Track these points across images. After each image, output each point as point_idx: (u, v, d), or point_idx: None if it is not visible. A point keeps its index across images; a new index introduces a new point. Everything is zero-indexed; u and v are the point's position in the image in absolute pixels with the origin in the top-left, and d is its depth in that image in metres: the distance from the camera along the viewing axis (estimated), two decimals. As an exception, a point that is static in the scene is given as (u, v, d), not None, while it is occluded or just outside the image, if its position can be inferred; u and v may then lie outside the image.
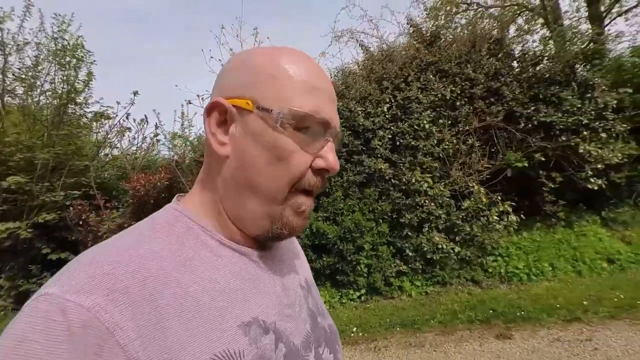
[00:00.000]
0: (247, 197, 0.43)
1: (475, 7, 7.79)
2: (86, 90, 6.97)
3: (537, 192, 4.62)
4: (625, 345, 2.60)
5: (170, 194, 5.76)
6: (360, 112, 4.46)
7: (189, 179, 5.58)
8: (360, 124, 4.45)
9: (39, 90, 6.50)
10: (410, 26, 5.48)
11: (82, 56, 6.42)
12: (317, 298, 0.56)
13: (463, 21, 7.97)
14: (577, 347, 2.67)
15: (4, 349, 0.29)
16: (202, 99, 5.87)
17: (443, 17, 7.88)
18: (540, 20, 6.39)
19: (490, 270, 4.21)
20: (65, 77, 6.24)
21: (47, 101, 6.59)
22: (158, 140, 6.82)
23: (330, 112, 0.44)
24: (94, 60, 6.78)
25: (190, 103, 6.02)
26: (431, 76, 4.63)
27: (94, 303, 0.31)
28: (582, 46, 5.05)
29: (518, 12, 7.03)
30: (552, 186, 4.39)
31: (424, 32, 5.30)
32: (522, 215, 4.27)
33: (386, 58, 4.87)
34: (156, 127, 6.76)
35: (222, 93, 0.44)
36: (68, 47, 6.21)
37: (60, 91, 6.25)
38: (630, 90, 4.41)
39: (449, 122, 4.54)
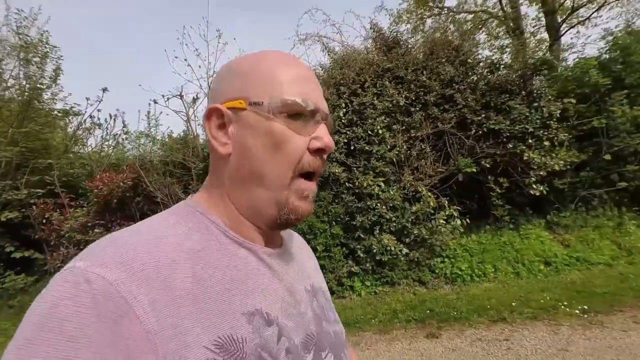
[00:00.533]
0: (253, 187, 0.46)
1: (446, 11, 7.92)
2: (54, 86, 6.89)
3: (487, 196, 4.81)
4: (536, 345, 2.80)
5: (135, 193, 5.79)
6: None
7: (154, 179, 5.61)
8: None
9: (2, 86, 6.39)
10: (374, 31, 5.58)
11: (46, 52, 6.32)
12: (324, 304, 0.57)
13: (435, 24, 8.15)
14: (493, 347, 2.86)
15: (40, 311, 0.32)
16: (167, 99, 5.90)
17: (414, 20, 8.04)
18: (503, 28, 6.57)
19: (437, 271, 4.40)
20: (28, 74, 6.15)
21: (12, 97, 6.49)
22: (125, 139, 6.80)
23: (317, 97, 0.47)
24: (61, 56, 6.69)
25: (156, 102, 5.97)
26: (387, 82, 4.75)
27: (115, 277, 0.34)
28: (535, 57, 5.24)
29: (484, 19, 7.19)
30: (500, 191, 4.58)
31: (387, 37, 5.41)
32: (467, 219, 4.46)
33: (345, 63, 4.97)
34: (123, 125, 6.75)
35: (217, 100, 0.47)
36: (31, 43, 6.10)
37: (23, 88, 6.16)
38: (574, 101, 4.62)
39: (403, 127, 4.68)
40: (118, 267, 0.35)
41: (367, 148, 4.51)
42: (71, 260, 0.37)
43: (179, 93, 5.87)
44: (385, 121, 4.59)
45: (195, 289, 0.38)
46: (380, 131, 4.51)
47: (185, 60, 6.66)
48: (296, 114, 0.45)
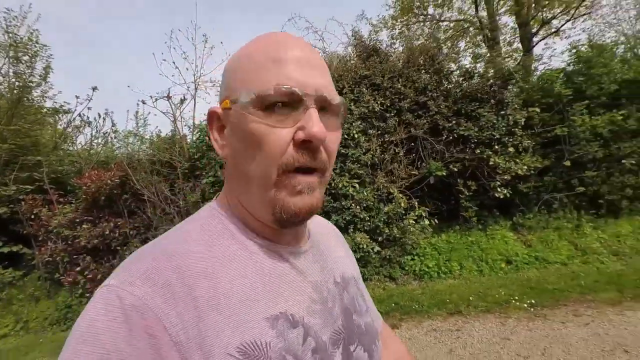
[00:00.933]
0: (247, 188, 0.45)
1: (430, 18, 8.19)
2: (43, 84, 7.02)
3: (457, 198, 5.10)
4: (483, 334, 3.08)
5: (122, 191, 5.97)
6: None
7: (141, 177, 5.79)
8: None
9: (-8, 84, 6.50)
10: (355, 39, 5.83)
11: (36, 51, 6.45)
12: (355, 295, 0.56)
13: (417, 32, 8.43)
14: (445, 336, 3.13)
15: (81, 328, 0.34)
16: (155, 100, 6.08)
17: (399, 26, 8.30)
18: (480, 37, 6.86)
19: (406, 268, 4.68)
20: (17, 72, 6.27)
21: (1, 94, 6.60)
22: (114, 137, 6.96)
23: (304, 79, 0.41)
24: (51, 54, 6.82)
25: (144, 103, 6.14)
26: (364, 89, 5.00)
27: (144, 292, 0.36)
28: (508, 66, 5.53)
29: (465, 27, 7.47)
30: (468, 193, 4.87)
31: (367, 45, 5.66)
32: (436, 220, 4.74)
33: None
34: (112, 124, 6.91)
35: (219, 102, 0.47)
36: (20, 42, 6.22)
37: (12, 86, 6.28)
38: (539, 110, 4.91)
39: (378, 132, 4.94)
40: (145, 283, 0.37)
41: (343, 151, 4.76)
42: (107, 278, 0.39)
43: (166, 95, 6.07)
44: (361, 126, 4.84)
45: (218, 297, 0.39)
46: (356, 135, 4.76)
47: (174, 63, 6.82)
48: (275, 104, 0.40)
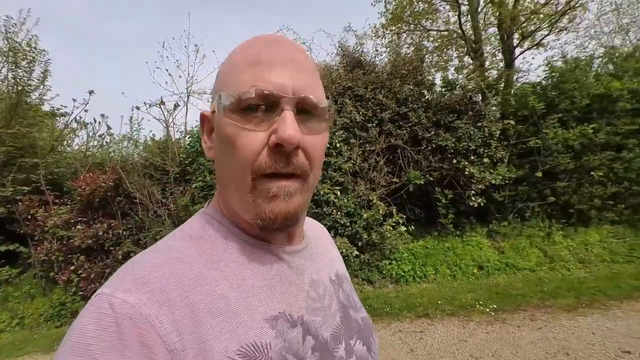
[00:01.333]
0: (227, 192, 0.45)
1: (419, 27, 8.40)
2: (42, 87, 7.23)
3: (434, 205, 5.33)
4: (444, 336, 3.32)
5: (116, 193, 6.20)
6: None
7: (134, 180, 6.02)
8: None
9: (-9, 87, 6.71)
10: (342, 50, 6.05)
11: (34, 57, 6.66)
12: (350, 291, 0.57)
13: (408, 40, 8.63)
14: (409, 337, 3.37)
15: (72, 338, 0.34)
16: (149, 106, 6.31)
17: (390, 35, 8.50)
18: (464, 49, 7.07)
19: (384, 272, 4.91)
20: (16, 76, 6.49)
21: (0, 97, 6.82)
22: (110, 141, 7.19)
23: (279, 79, 0.40)
24: (49, 59, 7.03)
25: (138, 109, 6.36)
26: (347, 100, 5.22)
27: (137, 300, 0.35)
28: (488, 79, 5.75)
29: (453, 37, 7.68)
30: (445, 201, 5.10)
31: (352, 56, 5.87)
32: (412, 226, 4.97)
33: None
34: (108, 128, 7.13)
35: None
36: (19, 48, 6.44)
37: (11, 90, 6.50)
38: (514, 122, 5.14)
39: (360, 141, 5.16)
40: (139, 290, 0.36)
41: (325, 159, 4.99)
42: (101, 287, 0.38)
43: (159, 101, 6.29)
44: (343, 135, 5.07)
45: (216, 302, 0.39)
46: (338, 144, 4.99)
47: (167, 70, 7.03)
48: (250, 107, 0.40)
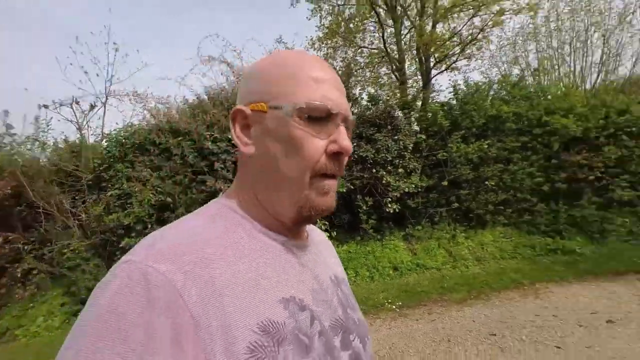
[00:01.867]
0: (276, 188, 0.49)
1: (352, 44, 8.94)
2: None
3: (357, 212, 5.70)
4: (352, 334, 3.57)
5: (17, 203, 5.51)
6: (207, 137, 4.98)
7: (39, 187, 5.41)
8: (207, 147, 4.96)
9: None
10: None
11: None
12: (348, 293, 0.61)
13: (342, 54, 9.13)
14: (321, 338, 3.56)
15: (101, 302, 0.35)
16: (59, 104, 5.75)
17: (326, 48, 8.91)
18: (389, 67, 7.77)
19: (308, 277, 5.09)
20: None
21: None
22: (11, 141, 6.36)
23: (337, 100, 0.48)
24: None
25: (46, 107, 5.74)
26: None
27: (167, 269, 0.37)
28: (407, 96, 6.36)
29: (382, 56, 8.32)
30: (365, 208, 5.48)
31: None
32: (335, 231, 5.26)
33: (235, 89, 5.47)
34: (9, 127, 6.31)
35: (242, 101, 0.51)
36: None
37: None
38: (425, 137, 5.76)
39: (287, 151, 5.32)
40: (168, 260, 0.38)
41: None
42: (127, 254, 0.40)
43: (73, 100, 5.78)
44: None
45: (235, 280, 0.42)
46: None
47: (82, 67, 6.48)
48: (315, 117, 0.46)
